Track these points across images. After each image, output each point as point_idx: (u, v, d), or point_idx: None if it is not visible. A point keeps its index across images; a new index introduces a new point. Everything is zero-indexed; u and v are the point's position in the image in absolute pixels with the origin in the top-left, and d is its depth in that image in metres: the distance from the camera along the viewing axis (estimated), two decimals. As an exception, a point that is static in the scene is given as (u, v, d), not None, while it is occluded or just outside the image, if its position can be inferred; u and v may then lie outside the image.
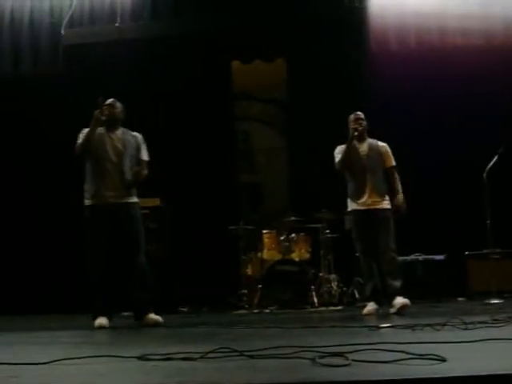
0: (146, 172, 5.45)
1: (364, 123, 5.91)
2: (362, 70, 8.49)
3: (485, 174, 6.85)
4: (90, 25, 8.76)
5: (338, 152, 5.92)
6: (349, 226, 6.91)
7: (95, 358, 2.70)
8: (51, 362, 2.61)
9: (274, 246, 7.62)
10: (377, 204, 5.82)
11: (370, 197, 5.81)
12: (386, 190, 5.90)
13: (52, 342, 4.13)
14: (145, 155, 5.51)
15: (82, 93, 8.39)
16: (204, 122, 8.86)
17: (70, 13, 8.61)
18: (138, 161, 5.45)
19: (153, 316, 5.23)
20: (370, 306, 5.77)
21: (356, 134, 5.81)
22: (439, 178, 8.13)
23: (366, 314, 5.69)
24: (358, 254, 6.05)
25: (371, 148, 5.93)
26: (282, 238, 7.59)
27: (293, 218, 7.77)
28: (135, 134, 5.53)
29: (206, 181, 8.64)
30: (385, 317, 5.37)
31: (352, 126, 5.86)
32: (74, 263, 7.65)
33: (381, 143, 6.00)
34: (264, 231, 7.73)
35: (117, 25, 8.62)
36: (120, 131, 5.45)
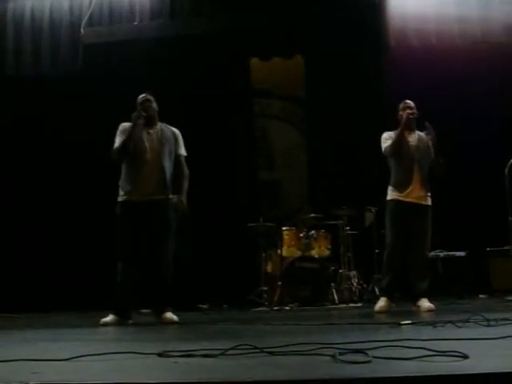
0: (187, 171, 5.48)
1: (415, 112, 5.73)
2: (381, 66, 8.44)
3: (506, 170, 6.78)
4: (109, 24, 8.80)
5: (387, 137, 5.74)
6: (369, 223, 6.86)
7: (116, 355, 2.70)
8: (72, 358, 2.63)
9: (293, 242, 7.61)
10: (421, 199, 5.66)
11: (415, 189, 5.65)
12: (430, 185, 5.75)
13: (73, 339, 4.15)
14: (182, 150, 5.50)
15: (101, 92, 8.46)
16: (223, 120, 8.88)
17: (90, 12, 8.65)
18: (176, 156, 5.43)
19: (169, 315, 5.23)
20: (383, 303, 5.64)
21: (411, 117, 5.64)
22: (460, 174, 8.05)
23: (377, 312, 5.56)
24: (385, 246, 5.87)
25: (421, 139, 5.76)
26: (301, 234, 7.58)
27: (312, 215, 7.75)
28: (173, 129, 5.51)
29: (226, 178, 8.65)
30: (405, 313, 5.33)
31: (404, 112, 5.70)
32: (99, 261, 7.71)
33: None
34: (283, 228, 7.72)
35: (136, 24, 8.66)
36: (158, 126, 5.41)
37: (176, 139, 5.47)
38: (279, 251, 7.63)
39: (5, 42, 8.86)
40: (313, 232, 7.60)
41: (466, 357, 2.24)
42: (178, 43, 8.90)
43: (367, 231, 7.61)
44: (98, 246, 7.78)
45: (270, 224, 7.85)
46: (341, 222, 7.66)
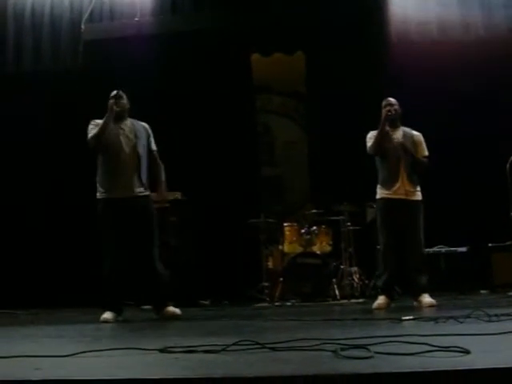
0: (161, 163, 5.50)
1: (396, 108, 5.75)
2: (382, 61, 8.42)
3: (508, 165, 6.77)
4: (109, 20, 8.79)
5: (371, 137, 5.77)
6: (370, 218, 6.86)
7: (117, 351, 2.71)
8: (74, 354, 2.63)
9: (295, 238, 7.61)
10: (409, 195, 5.65)
11: (402, 186, 5.64)
12: (419, 180, 5.76)
13: (75, 335, 4.16)
14: (154, 145, 5.53)
15: (101, 88, 8.43)
16: (224, 116, 8.86)
17: (90, 8, 8.64)
18: (150, 151, 5.46)
19: (171, 309, 5.25)
20: (381, 300, 5.63)
21: (389, 114, 5.64)
22: (462, 169, 8.06)
23: (376, 309, 5.53)
24: (379, 245, 5.87)
25: (405, 136, 5.78)
26: (303, 230, 7.57)
27: (314, 211, 7.75)
28: (144, 124, 5.54)
29: (227, 174, 8.65)
30: (407, 309, 5.33)
31: (384, 109, 5.71)
32: (95, 256, 7.70)
33: (415, 132, 5.84)
34: (285, 224, 7.72)
35: (136, 20, 8.64)
36: (129, 122, 5.44)
37: (148, 134, 5.51)
38: (281, 247, 7.64)
39: (5, 37, 8.85)
40: (314, 228, 7.60)
41: (467, 352, 2.24)
42: (179, 39, 8.88)
43: (368, 227, 7.60)
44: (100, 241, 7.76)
45: (271, 220, 7.85)
46: (342, 217, 7.65)
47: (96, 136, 5.25)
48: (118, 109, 5.29)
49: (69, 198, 8.56)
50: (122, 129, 5.36)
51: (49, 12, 8.83)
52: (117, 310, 5.24)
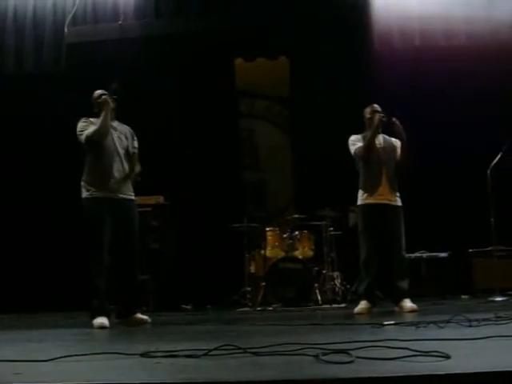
0: (139, 167, 5.38)
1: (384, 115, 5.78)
2: (365, 67, 8.47)
3: (489, 171, 6.83)
4: (93, 23, 8.76)
5: (356, 139, 5.79)
6: (353, 223, 6.89)
7: (98, 355, 2.69)
8: (54, 359, 2.61)
9: (277, 243, 7.61)
10: (391, 200, 5.69)
11: (384, 191, 5.67)
12: (398, 186, 5.78)
13: (55, 340, 4.13)
14: (136, 143, 5.42)
15: (84, 91, 8.39)
16: (208, 120, 8.86)
17: (73, 11, 8.60)
18: (132, 152, 5.36)
19: (140, 315, 5.20)
20: (363, 305, 5.61)
21: (384, 119, 5.66)
22: (443, 175, 8.11)
23: (357, 313, 5.53)
24: (360, 250, 5.88)
25: (386, 141, 5.83)
26: (285, 235, 7.58)
27: (296, 216, 7.76)
28: (127, 126, 5.46)
29: (210, 178, 8.64)
30: (388, 314, 5.35)
31: (373, 115, 5.73)
32: (77, 260, 7.66)
33: (393, 138, 5.89)
34: (267, 229, 7.72)
35: (120, 23, 8.62)
36: (116, 123, 5.35)
37: (132, 136, 5.43)
38: (263, 252, 7.63)
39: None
40: (296, 233, 7.61)
41: (447, 357, 2.25)
42: (163, 43, 8.86)
43: (351, 232, 7.62)
44: (78, 245, 7.70)
45: (253, 224, 7.84)
46: (324, 222, 7.67)
47: (98, 131, 5.08)
48: (113, 105, 5.18)
49: (49, 202, 8.50)
50: (113, 128, 5.26)
51: (31, 14, 8.77)
52: (108, 315, 5.06)
